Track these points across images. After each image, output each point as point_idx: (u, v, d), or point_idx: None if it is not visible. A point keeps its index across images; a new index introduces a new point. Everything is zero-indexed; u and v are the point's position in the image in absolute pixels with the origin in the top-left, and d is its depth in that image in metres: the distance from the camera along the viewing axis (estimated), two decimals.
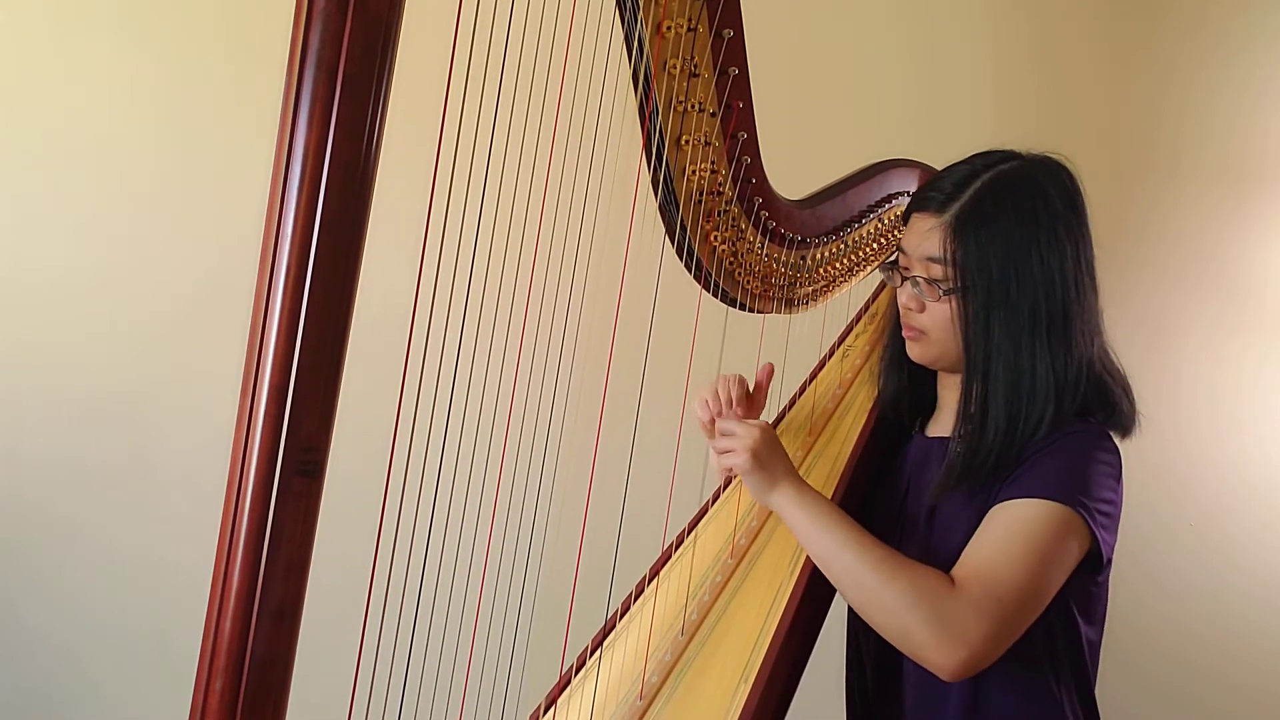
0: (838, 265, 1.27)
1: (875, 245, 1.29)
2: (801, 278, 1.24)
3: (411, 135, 0.82)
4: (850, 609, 1.17)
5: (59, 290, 1.93)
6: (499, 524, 0.99)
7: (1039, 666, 1.03)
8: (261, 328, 0.62)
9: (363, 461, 0.92)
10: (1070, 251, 1.01)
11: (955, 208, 1.03)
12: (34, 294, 1.93)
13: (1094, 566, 1.00)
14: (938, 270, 1.03)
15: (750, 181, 1.10)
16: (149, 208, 1.94)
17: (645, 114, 1.01)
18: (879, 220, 1.27)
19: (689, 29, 0.99)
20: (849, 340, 1.41)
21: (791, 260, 1.21)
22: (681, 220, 1.08)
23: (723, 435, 1.07)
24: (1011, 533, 0.95)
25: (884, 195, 1.25)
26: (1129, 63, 2.06)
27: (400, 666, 0.86)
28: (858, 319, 1.44)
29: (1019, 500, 0.97)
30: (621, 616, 1.15)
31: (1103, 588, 1.05)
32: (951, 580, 0.95)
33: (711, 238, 1.13)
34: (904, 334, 1.10)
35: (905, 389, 1.18)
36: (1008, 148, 1.07)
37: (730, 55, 1.01)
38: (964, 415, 1.05)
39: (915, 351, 1.10)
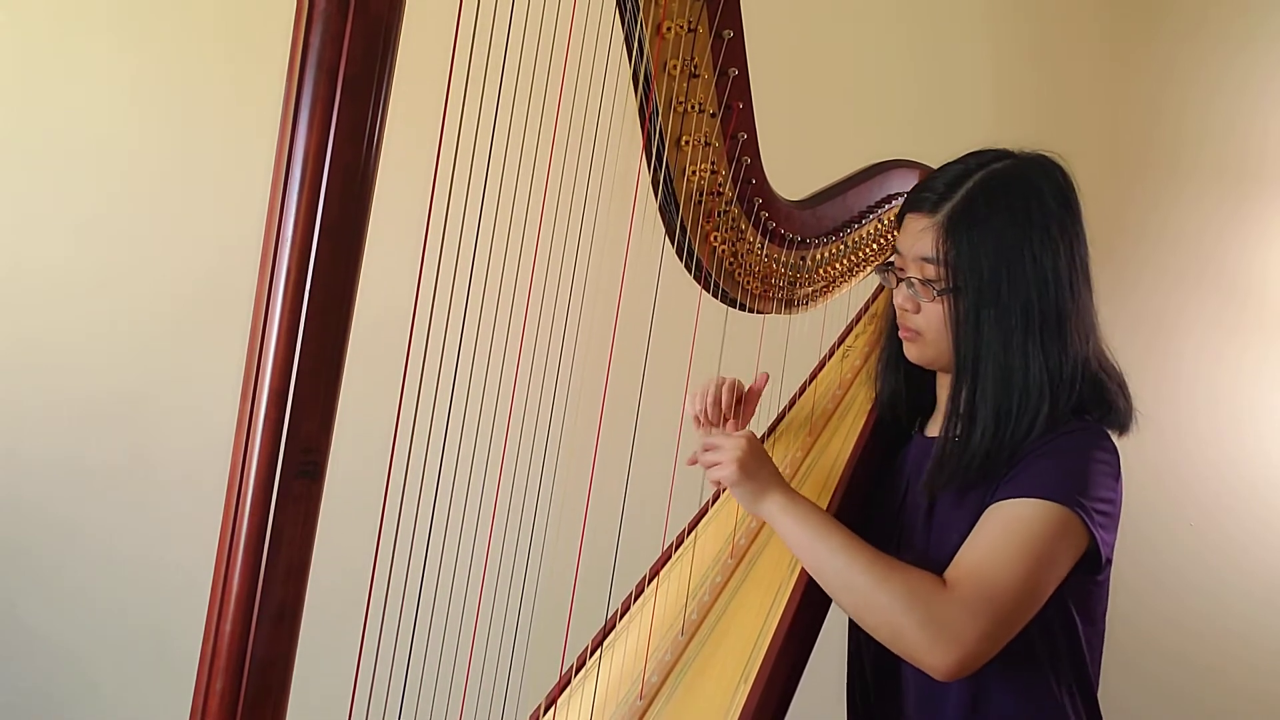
0: (838, 266, 1.27)
1: (875, 246, 1.29)
2: (801, 278, 1.24)
3: (412, 137, 0.82)
4: None
5: (59, 290, 1.93)
6: (499, 524, 0.99)
7: (1039, 667, 1.03)
8: (262, 329, 0.62)
9: (363, 463, 0.92)
10: (1063, 250, 1.01)
11: (947, 208, 1.03)
12: (34, 294, 1.93)
13: (1093, 566, 0.99)
14: (931, 270, 1.03)
15: (750, 182, 1.10)
16: (149, 208, 1.94)
17: (645, 115, 1.01)
18: (879, 221, 1.27)
19: (689, 30, 0.99)
20: (849, 341, 1.42)
21: (791, 261, 1.21)
22: (681, 221, 1.08)
23: (707, 449, 1.07)
24: (1007, 532, 0.95)
25: (884, 196, 1.25)
26: (1129, 62, 2.06)
27: (400, 667, 0.87)
28: (857, 319, 1.44)
29: (1015, 500, 0.97)
30: (621, 616, 1.15)
31: (1103, 587, 1.05)
32: (944, 581, 0.95)
33: (711, 238, 1.13)
34: (900, 335, 1.10)
35: (903, 390, 1.18)
36: (1003, 147, 1.07)
37: (730, 56, 1.01)
38: (951, 412, 1.05)
39: (912, 352, 1.10)
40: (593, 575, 1.10)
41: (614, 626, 1.14)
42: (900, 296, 1.08)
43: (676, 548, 1.21)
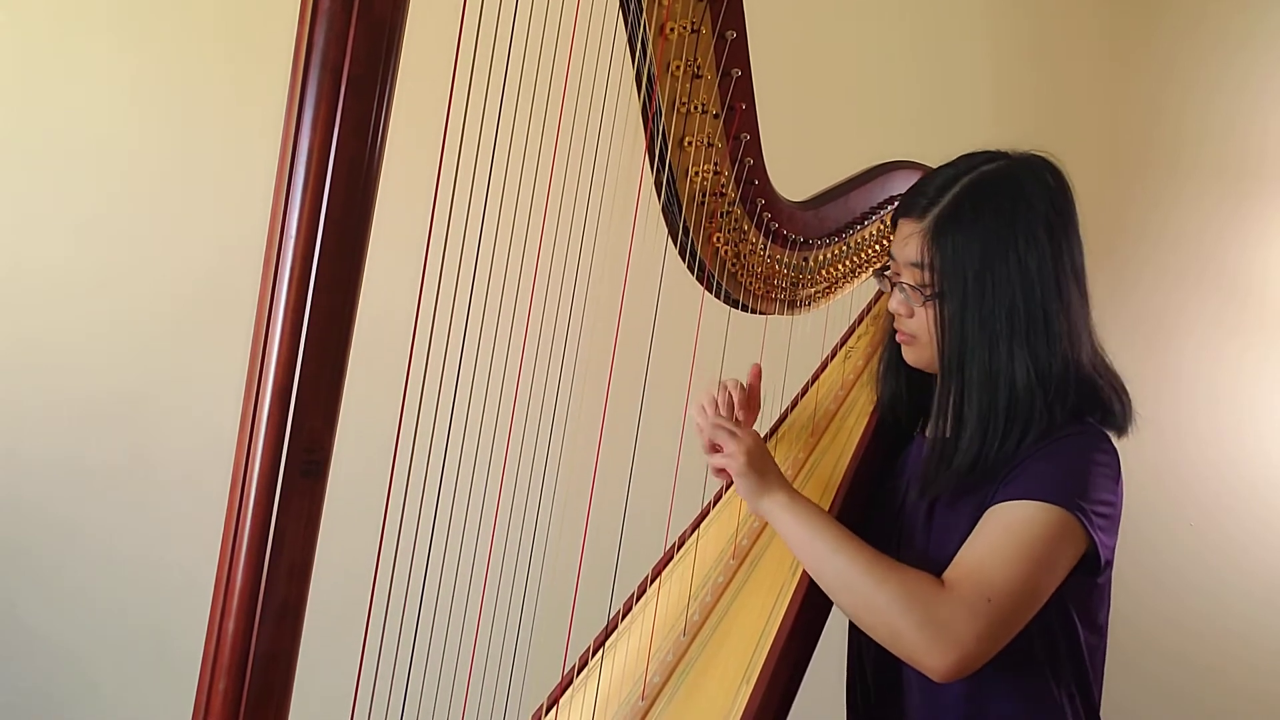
0: (840, 267, 1.28)
1: (877, 247, 1.29)
2: (804, 279, 1.24)
3: (415, 136, 0.82)
4: None
5: (59, 290, 1.93)
6: (501, 524, 0.99)
7: (1038, 670, 1.03)
8: (265, 327, 0.62)
9: (366, 461, 0.92)
10: (1051, 251, 1.00)
11: (935, 212, 1.03)
12: (34, 294, 1.93)
13: (1092, 569, 0.99)
14: (921, 275, 1.04)
15: (753, 183, 1.11)
16: (149, 208, 1.94)
17: (648, 115, 1.01)
18: (881, 222, 1.27)
19: (692, 30, 0.99)
20: (851, 342, 1.42)
21: (794, 261, 1.21)
22: (684, 221, 1.08)
23: (714, 445, 1.08)
24: (1006, 534, 0.95)
25: (886, 197, 1.25)
26: (1129, 62, 2.06)
27: (403, 665, 0.86)
28: (860, 320, 1.44)
29: (1014, 502, 0.97)
30: (624, 616, 1.15)
31: (1103, 590, 1.05)
32: (942, 582, 0.95)
33: (714, 239, 1.13)
34: (897, 339, 1.11)
35: (903, 393, 1.18)
36: (1000, 147, 1.07)
37: (733, 57, 1.01)
38: (938, 416, 1.05)
39: (910, 356, 1.10)
40: (595, 575, 1.10)
41: (616, 626, 1.14)
42: (895, 301, 1.08)
43: (679, 548, 1.21)
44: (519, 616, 1.08)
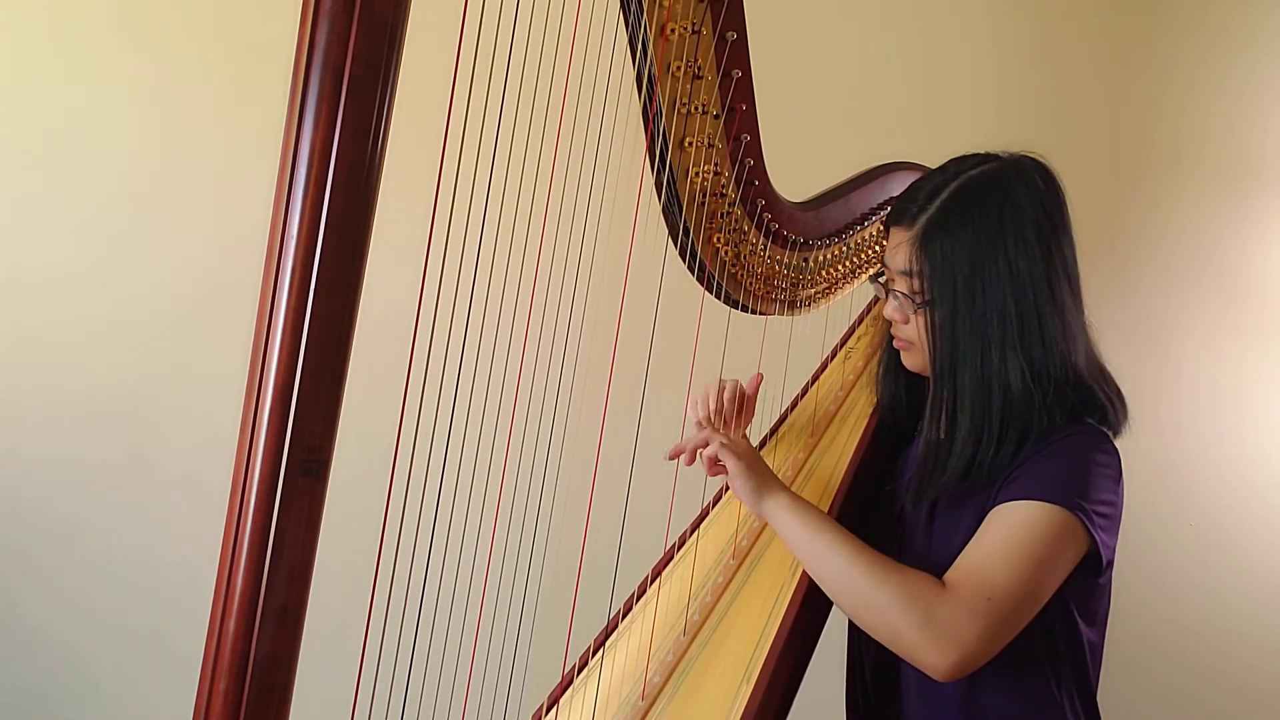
0: (840, 267, 1.28)
1: (877, 248, 1.29)
2: (804, 279, 1.24)
3: (415, 137, 0.82)
4: None
5: (59, 290, 1.93)
6: (502, 523, 0.99)
7: (1039, 668, 1.03)
8: (266, 328, 0.62)
9: (366, 462, 0.92)
10: (1041, 254, 1.00)
11: (923, 220, 1.03)
12: (34, 294, 1.93)
13: (1093, 568, 0.99)
14: (912, 283, 1.04)
15: (753, 183, 1.11)
16: (149, 208, 1.94)
17: (649, 116, 1.01)
18: (881, 223, 1.27)
19: (693, 31, 0.99)
20: (851, 342, 1.42)
21: (794, 262, 1.21)
22: (685, 222, 1.08)
23: (709, 448, 1.08)
24: (1007, 534, 0.96)
25: (886, 198, 1.25)
26: (1129, 62, 2.06)
27: (403, 666, 0.86)
28: (860, 321, 1.44)
29: (1016, 502, 0.97)
30: (624, 616, 1.15)
31: (1104, 589, 1.05)
32: (943, 583, 0.95)
33: (714, 240, 1.13)
34: (894, 345, 1.11)
35: (902, 396, 1.19)
36: (999, 148, 1.07)
37: (734, 58, 1.01)
38: (930, 421, 1.05)
39: (908, 361, 1.11)
40: (595, 575, 1.10)
41: (616, 626, 1.14)
42: (889, 309, 1.09)
43: (679, 548, 1.21)
44: (519, 616, 1.08)
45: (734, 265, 1.16)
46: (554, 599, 1.10)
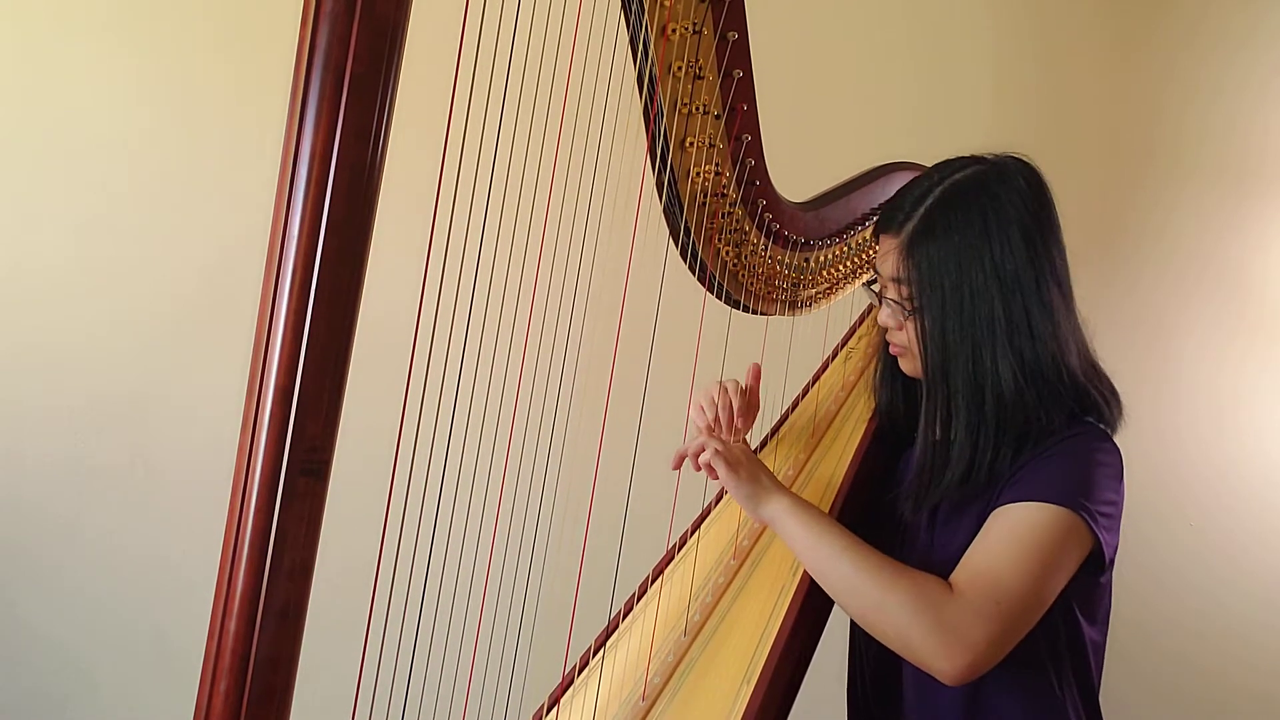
0: (841, 268, 1.28)
1: (878, 248, 1.29)
2: (805, 280, 1.24)
3: (416, 138, 0.82)
4: None
5: (59, 290, 1.93)
6: (503, 523, 0.99)
7: (1041, 667, 1.03)
8: (267, 328, 0.62)
9: (367, 463, 0.92)
10: (1027, 254, 1.00)
11: (909, 227, 1.03)
12: (34, 294, 1.93)
13: (1096, 567, 1.00)
14: (901, 290, 1.04)
15: (754, 184, 1.10)
16: (150, 207, 1.94)
17: (650, 117, 1.01)
18: None
19: (694, 32, 0.99)
20: (852, 343, 1.42)
21: (795, 262, 1.21)
22: (686, 222, 1.08)
23: (703, 455, 1.07)
24: (1012, 536, 0.95)
25: (887, 198, 1.25)
26: (1129, 61, 2.06)
27: (404, 666, 0.86)
28: (860, 321, 1.44)
29: (1019, 504, 0.97)
30: (625, 616, 1.15)
31: (1105, 588, 1.05)
32: (950, 586, 0.95)
33: (715, 240, 1.13)
34: (890, 351, 1.12)
35: (900, 401, 1.19)
36: (999, 149, 1.07)
37: (735, 58, 1.01)
38: (925, 428, 1.05)
39: (905, 367, 1.11)
40: (596, 575, 1.10)
41: (617, 627, 1.14)
42: (883, 315, 1.09)
43: (679, 548, 1.21)
44: (520, 616, 1.08)
45: (735, 265, 1.16)
46: (554, 599, 1.10)
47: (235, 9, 1.92)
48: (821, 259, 1.24)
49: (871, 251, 1.29)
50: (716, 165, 1.07)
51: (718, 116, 1.04)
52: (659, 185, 1.06)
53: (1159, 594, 2.03)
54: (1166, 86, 2.05)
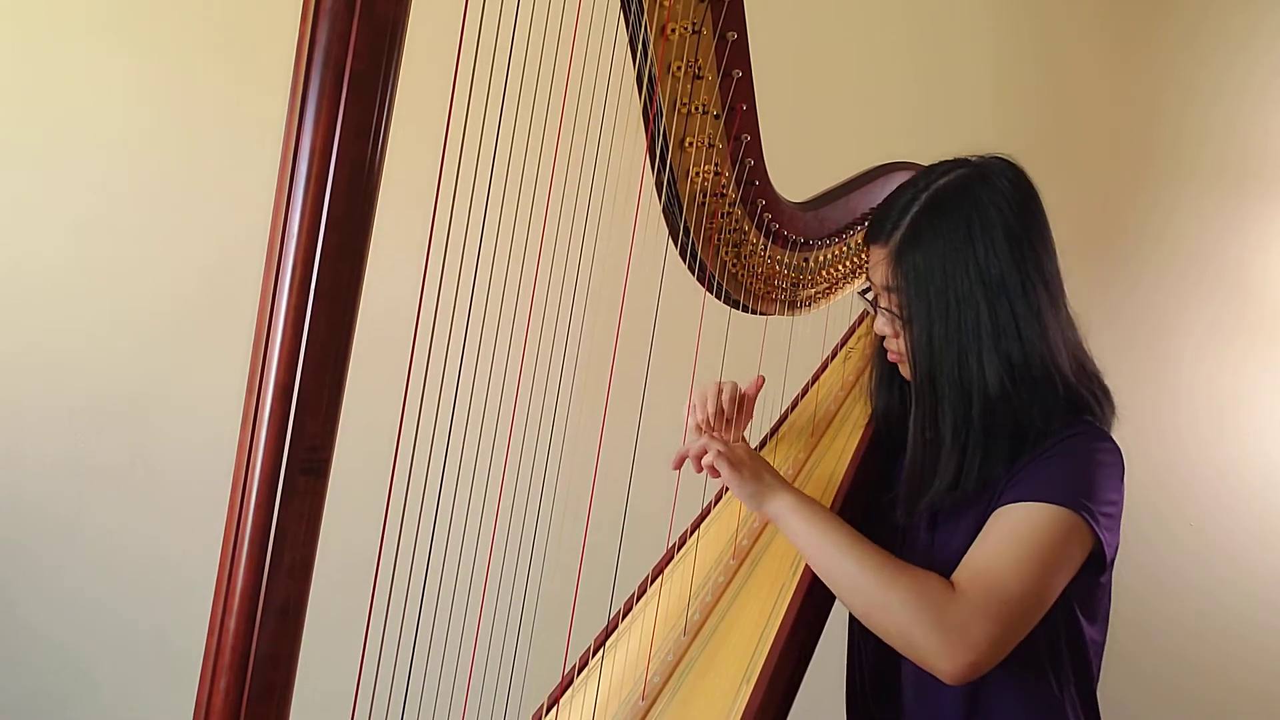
0: (840, 268, 1.28)
1: None
2: (804, 280, 1.24)
3: (416, 135, 0.82)
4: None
5: (59, 290, 1.93)
6: (502, 523, 0.99)
7: (1040, 667, 1.03)
8: (267, 326, 0.62)
9: (367, 461, 0.92)
10: (1012, 257, 0.99)
11: (897, 236, 1.03)
12: (34, 294, 1.93)
13: (1097, 567, 1.00)
14: (891, 299, 1.05)
15: (754, 184, 1.11)
16: (150, 207, 1.95)
17: (649, 116, 1.01)
18: None
19: (693, 31, 0.99)
20: (851, 342, 1.42)
21: (794, 262, 1.21)
22: (685, 222, 1.08)
23: (706, 456, 1.07)
24: (1014, 537, 0.96)
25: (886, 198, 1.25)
26: (1129, 62, 2.06)
27: (403, 664, 0.86)
28: (860, 321, 1.44)
29: (1020, 504, 0.97)
30: (624, 616, 1.15)
31: (1105, 587, 1.05)
32: (953, 585, 0.95)
33: (715, 240, 1.13)
34: (889, 358, 1.12)
35: (897, 406, 1.19)
36: (998, 150, 1.07)
37: (734, 58, 1.01)
38: (914, 433, 1.05)
39: (905, 372, 1.11)
40: (595, 575, 1.10)
41: (616, 626, 1.14)
42: (879, 323, 1.09)
43: (679, 548, 1.21)
44: (520, 616, 1.08)
45: (734, 265, 1.16)
46: (554, 598, 1.09)
47: (235, 9, 1.92)
48: (821, 259, 1.24)
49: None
50: (716, 165, 1.07)
51: (717, 116, 1.04)
52: (658, 185, 1.06)
53: (1159, 594, 2.03)
54: (1166, 88, 2.05)
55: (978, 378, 0.99)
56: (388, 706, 0.85)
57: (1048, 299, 1.01)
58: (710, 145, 1.05)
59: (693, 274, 1.15)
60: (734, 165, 1.08)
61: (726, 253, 1.15)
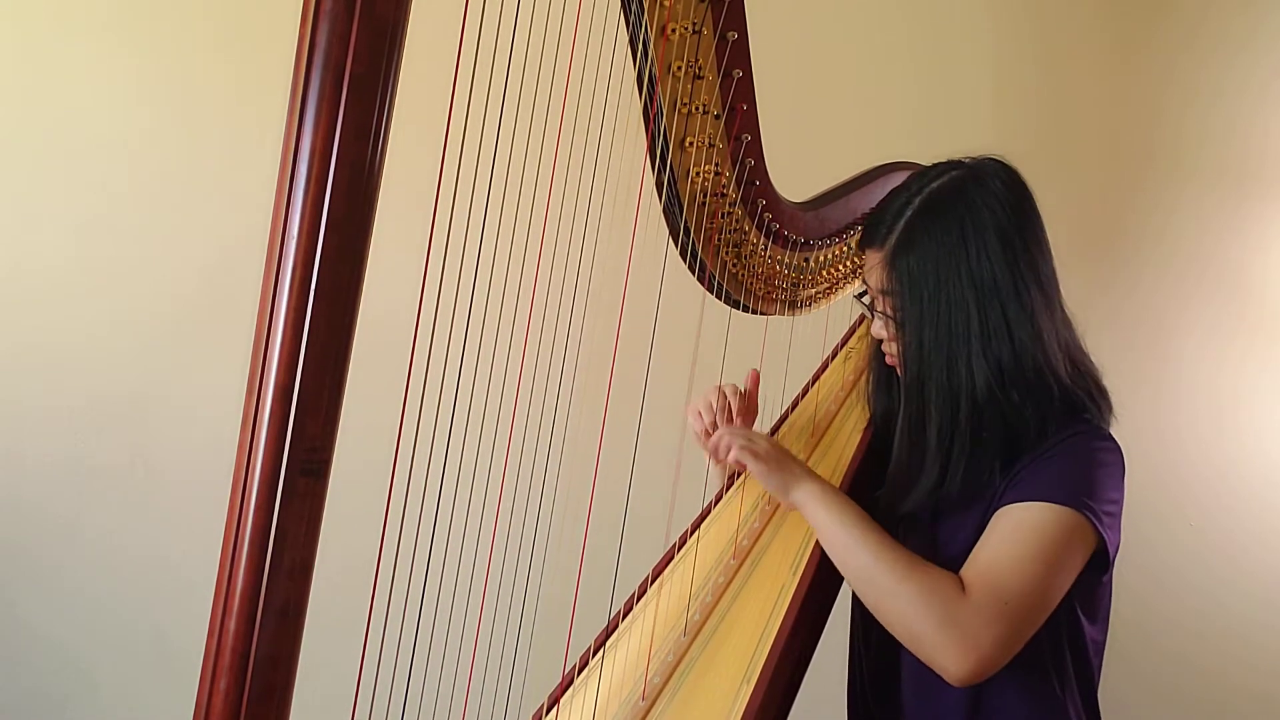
0: (841, 268, 1.28)
1: None
2: (805, 279, 1.24)
3: (416, 136, 0.82)
4: (852, 610, 1.17)
5: (59, 290, 1.93)
6: (503, 523, 0.99)
7: (1042, 666, 1.03)
8: (267, 327, 0.62)
9: (367, 461, 0.92)
10: (1005, 259, 0.99)
11: (891, 240, 1.04)
12: (34, 294, 1.93)
13: (1100, 566, 1.00)
14: (886, 302, 1.05)
15: (754, 184, 1.11)
16: (150, 207, 1.94)
17: (650, 116, 1.01)
18: None
19: (693, 32, 0.99)
20: (852, 342, 1.42)
21: (795, 262, 1.21)
22: (685, 222, 1.08)
23: (732, 444, 1.08)
24: (1017, 537, 0.96)
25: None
26: (1129, 63, 2.06)
27: (403, 665, 0.87)
28: (860, 320, 1.44)
29: (1023, 504, 0.97)
30: (624, 616, 1.15)
31: (1106, 586, 1.05)
32: (962, 584, 0.95)
33: (715, 240, 1.13)
34: (887, 361, 1.12)
35: (894, 408, 1.19)
36: (998, 150, 1.07)
37: (734, 57, 1.01)
38: (900, 435, 1.06)
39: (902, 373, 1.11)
40: (595, 575, 1.10)
41: (617, 626, 1.14)
42: (875, 327, 1.10)
43: (679, 548, 1.21)
44: (520, 616, 1.08)
45: (735, 265, 1.16)
46: (554, 599, 1.10)
47: (235, 9, 1.92)
48: (821, 259, 1.24)
49: None
50: (716, 165, 1.07)
51: (717, 116, 1.04)
52: (659, 185, 1.06)
53: (1159, 594, 2.03)
54: (1166, 89, 2.05)
55: (966, 381, 1.00)
56: (388, 707, 0.85)
57: (1042, 300, 1.01)
58: (710, 145, 1.05)
59: (693, 274, 1.15)
60: (734, 165, 1.08)
61: (727, 253, 1.15)
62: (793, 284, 1.23)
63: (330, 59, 0.60)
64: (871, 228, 1.07)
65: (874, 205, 1.25)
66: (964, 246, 1.00)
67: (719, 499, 1.26)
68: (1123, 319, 2.04)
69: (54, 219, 1.93)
